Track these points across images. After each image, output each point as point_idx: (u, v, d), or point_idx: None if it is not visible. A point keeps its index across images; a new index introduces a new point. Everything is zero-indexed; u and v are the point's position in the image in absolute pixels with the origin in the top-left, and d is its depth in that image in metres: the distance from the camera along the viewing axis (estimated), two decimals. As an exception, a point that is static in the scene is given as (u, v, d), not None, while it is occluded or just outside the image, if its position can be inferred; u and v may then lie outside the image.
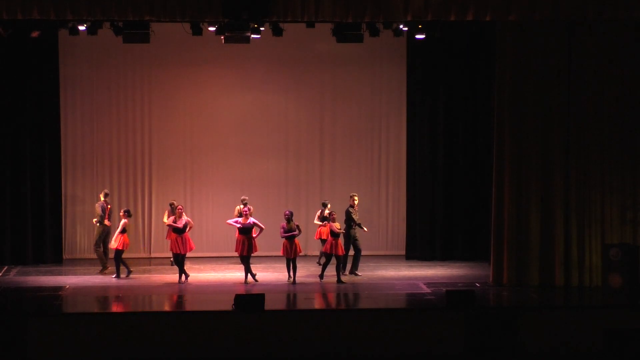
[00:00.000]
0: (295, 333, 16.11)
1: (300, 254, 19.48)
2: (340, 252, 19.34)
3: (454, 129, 22.18)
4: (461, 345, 16.15)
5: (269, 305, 16.55)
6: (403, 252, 22.53)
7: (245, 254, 19.18)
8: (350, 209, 20.21)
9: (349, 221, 20.07)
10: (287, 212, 19.42)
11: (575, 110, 18.81)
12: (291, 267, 19.25)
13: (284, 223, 19.28)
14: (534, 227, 18.87)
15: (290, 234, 19.21)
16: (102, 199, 20.61)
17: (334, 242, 19.28)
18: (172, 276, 19.84)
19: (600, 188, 18.86)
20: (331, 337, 16.12)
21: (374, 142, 23.04)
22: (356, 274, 20.00)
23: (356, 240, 20.13)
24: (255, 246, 19.31)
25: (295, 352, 16.00)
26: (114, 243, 19.72)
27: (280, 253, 19.49)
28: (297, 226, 19.31)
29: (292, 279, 19.19)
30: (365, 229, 20.34)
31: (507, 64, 18.81)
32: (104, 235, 20.43)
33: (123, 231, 19.72)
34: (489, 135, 20.73)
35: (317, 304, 18.26)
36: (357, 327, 16.22)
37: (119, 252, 19.68)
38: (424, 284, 19.01)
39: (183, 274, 19.41)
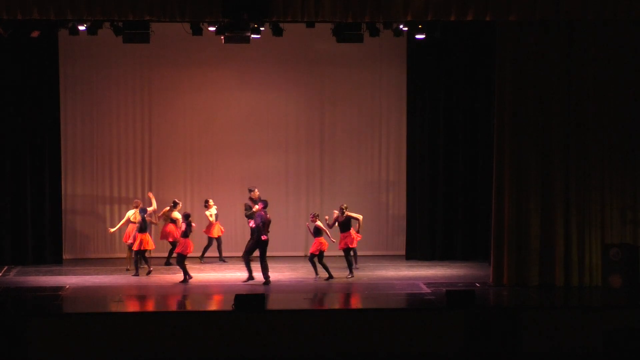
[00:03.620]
0: (295, 333, 16.11)
1: None
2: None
3: (454, 128, 22.17)
4: (461, 345, 16.15)
5: (269, 305, 16.55)
6: (403, 252, 22.52)
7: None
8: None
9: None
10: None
11: (575, 110, 18.81)
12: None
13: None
14: (534, 227, 18.87)
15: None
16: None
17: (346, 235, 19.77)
18: (171, 276, 19.87)
19: (600, 188, 18.86)
20: (331, 337, 16.12)
21: (374, 142, 23.03)
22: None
23: None
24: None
25: (296, 352, 16.00)
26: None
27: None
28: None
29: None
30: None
31: (507, 64, 18.81)
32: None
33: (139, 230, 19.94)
34: (489, 135, 20.73)
35: (317, 304, 18.26)
36: (357, 327, 16.22)
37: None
38: (424, 284, 19.01)
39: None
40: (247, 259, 19.36)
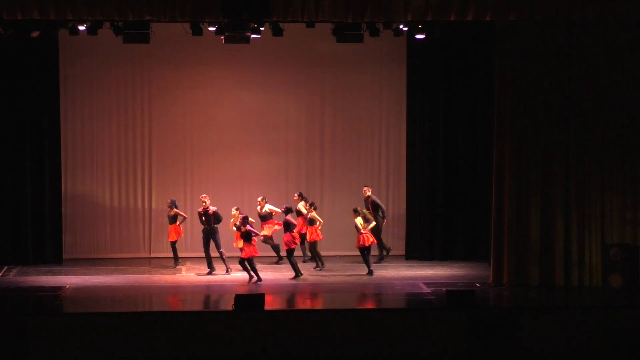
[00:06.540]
0: (295, 333, 16.11)
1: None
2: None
3: (454, 128, 22.18)
4: (461, 345, 16.15)
5: (269, 305, 16.56)
6: (403, 252, 22.52)
7: None
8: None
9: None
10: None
11: (575, 110, 18.81)
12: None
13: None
14: (534, 227, 18.87)
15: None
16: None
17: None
18: (172, 276, 19.89)
19: (600, 188, 18.86)
20: (331, 337, 16.12)
21: (374, 142, 23.02)
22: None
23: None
24: None
25: (295, 352, 16.00)
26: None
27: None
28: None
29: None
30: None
31: (507, 63, 18.81)
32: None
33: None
34: (489, 135, 20.73)
35: (317, 304, 18.26)
36: (358, 327, 16.21)
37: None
38: (424, 284, 19.01)
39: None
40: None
